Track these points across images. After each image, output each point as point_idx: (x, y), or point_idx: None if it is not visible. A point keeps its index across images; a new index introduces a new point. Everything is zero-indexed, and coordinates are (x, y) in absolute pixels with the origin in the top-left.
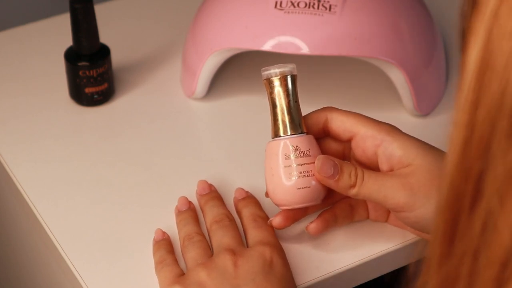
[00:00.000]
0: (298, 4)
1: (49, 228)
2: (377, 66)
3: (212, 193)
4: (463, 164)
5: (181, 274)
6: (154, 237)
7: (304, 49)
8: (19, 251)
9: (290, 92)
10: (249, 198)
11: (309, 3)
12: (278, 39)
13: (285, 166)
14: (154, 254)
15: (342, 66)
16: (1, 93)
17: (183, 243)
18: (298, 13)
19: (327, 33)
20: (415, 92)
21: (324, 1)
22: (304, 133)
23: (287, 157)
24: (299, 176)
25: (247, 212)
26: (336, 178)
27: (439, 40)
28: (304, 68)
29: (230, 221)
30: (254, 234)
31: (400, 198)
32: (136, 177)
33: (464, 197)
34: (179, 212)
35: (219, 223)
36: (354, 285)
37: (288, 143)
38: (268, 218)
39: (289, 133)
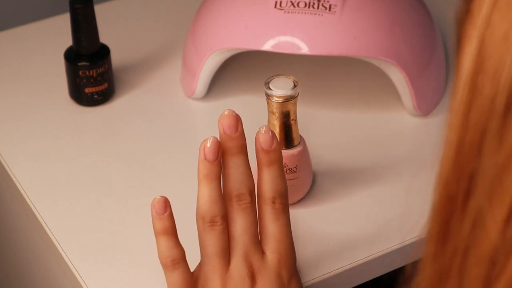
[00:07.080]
0: (298, 4)
1: (49, 228)
2: (377, 66)
3: (238, 140)
4: (456, 165)
5: (192, 279)
6: (153, 206)
7: (304, 49)
8: (19, 251)
9: (287, 114)
10: (275, 153)
11: (309, 3)
12: (278, 39)
13: None
14: (157, 235)
15: (342, 66)
16: (1, 93)
17: (203, 221)
18: (298, 13)
19: (327, 33)
20: (415, 92)
21: (324, 1)
22: (295, 146)
23: None
24: None
25: (268, 184)
26: None
27: (439, 40)
28: (304, 68)
29: (251, 202)
30: (270, 233)
31: None
32: (136, 177)
33: (457, 197)
34: (205, 160)
35: (240, 203)
36: (354, 285)
37: None
38: (287, 196)
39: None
